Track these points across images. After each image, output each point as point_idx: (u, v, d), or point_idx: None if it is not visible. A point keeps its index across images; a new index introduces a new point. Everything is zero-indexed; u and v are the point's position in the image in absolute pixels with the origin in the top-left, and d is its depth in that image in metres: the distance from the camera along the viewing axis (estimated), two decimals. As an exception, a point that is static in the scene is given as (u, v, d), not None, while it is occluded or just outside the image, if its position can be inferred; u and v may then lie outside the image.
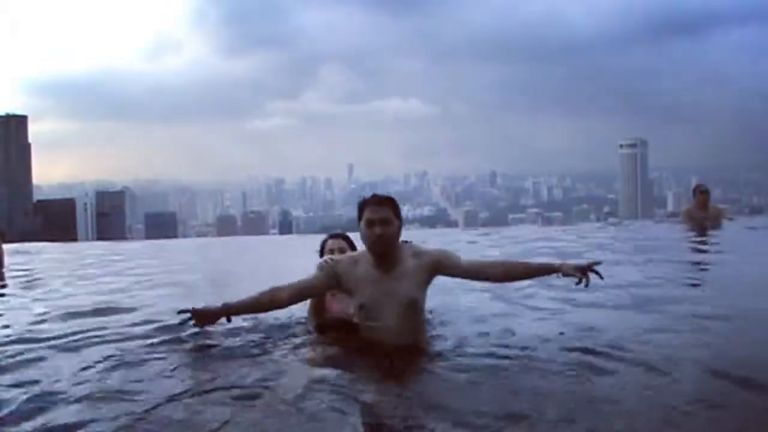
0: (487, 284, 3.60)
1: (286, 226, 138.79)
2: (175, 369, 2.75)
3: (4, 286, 5.85)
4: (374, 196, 3.01)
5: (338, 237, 3.77)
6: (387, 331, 2.94)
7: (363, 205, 2.97)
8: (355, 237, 3.69)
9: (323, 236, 3.97)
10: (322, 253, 3.70)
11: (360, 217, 2.98)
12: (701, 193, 8.92)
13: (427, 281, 3.06)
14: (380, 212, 2.91)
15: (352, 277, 2.98)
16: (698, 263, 6.29)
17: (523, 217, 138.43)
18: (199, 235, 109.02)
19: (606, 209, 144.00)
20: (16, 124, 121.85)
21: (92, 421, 2.23)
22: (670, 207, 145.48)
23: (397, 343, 2.90)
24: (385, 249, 2.95)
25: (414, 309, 2.99)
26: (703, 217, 8.75)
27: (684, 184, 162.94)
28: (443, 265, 3.04)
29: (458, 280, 3.26)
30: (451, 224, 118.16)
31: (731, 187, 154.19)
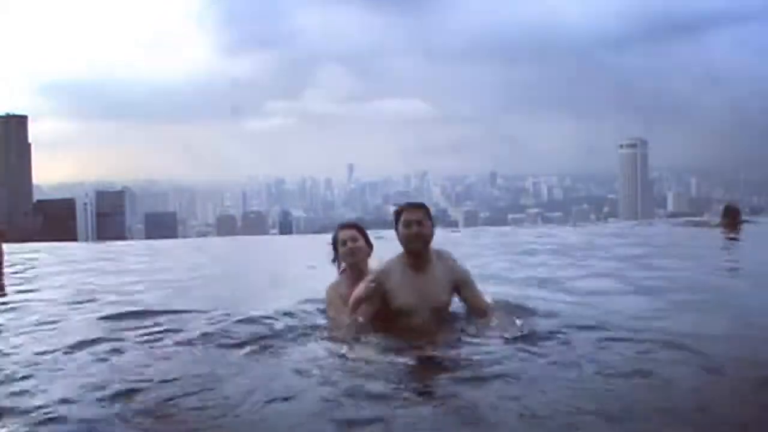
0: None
1: (286, 226, 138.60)
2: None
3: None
4: (409, 203, 3.52)
5: (350, 227, 3.88)
6: (420, 326, 3.34)
7: (400, 211, 3.45)
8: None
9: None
10: (335, 245, 3.77)
11: (397, 223, 3.44)
12: (732, 215, 9.32)
13: (452, 291, 3.49)
14: (416, 215, 3.40)
15: (390, 285, 3.38)
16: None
17: (523, 217, 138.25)
18: (200, 235, 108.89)
19: (606, 209, 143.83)
20: (16, 124, 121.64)
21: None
22: (670, 207, 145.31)
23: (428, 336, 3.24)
24: (421, 246, 3.39)
25: (442, 309, 3.45)
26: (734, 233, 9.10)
27: (684, 184, 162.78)
28: (462, 286, 3.48)
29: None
30: (451, 224, 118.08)
31: (731, 187, 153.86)
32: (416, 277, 3.39)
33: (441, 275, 3.43)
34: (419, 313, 3.37)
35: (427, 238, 3.42)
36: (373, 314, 3.43)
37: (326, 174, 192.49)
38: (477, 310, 3.50)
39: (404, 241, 3.42)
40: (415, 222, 3.38)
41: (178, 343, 3.33)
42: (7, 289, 5.77)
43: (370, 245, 3.84)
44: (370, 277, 3.47)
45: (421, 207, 3.48)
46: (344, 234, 3.78)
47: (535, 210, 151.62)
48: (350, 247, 3.74)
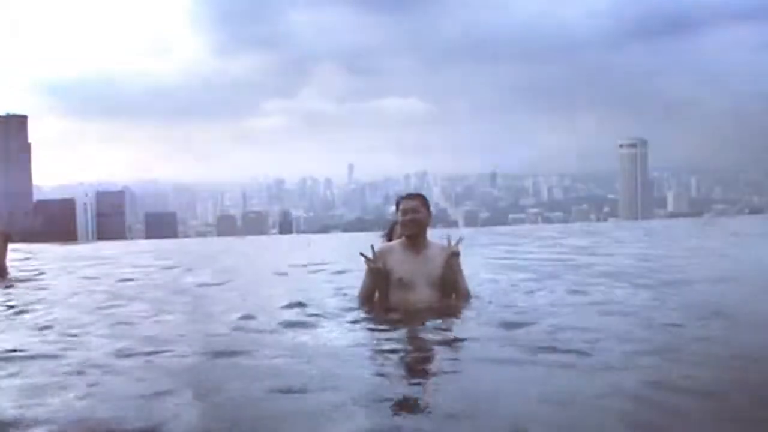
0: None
1: (286, 226, 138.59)
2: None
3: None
4: (408, 193, 4.01)
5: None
6: (420, 301, 3.77)
7: (399, 201, 3.95)
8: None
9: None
10: (397, 210, 4.11)
11: (397, 211, 3.93)
12: None
13: (444, 266, 3.85)
14: (412, 204, 3.88)
15: (391, 259, 3.84)
16: None
17: (523, 217, 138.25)
18: (200, 235, 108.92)
19: (606, 209, 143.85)
20: (16, 124, 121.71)
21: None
22: (670, 207, 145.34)
23: (426, 307, 3.73)
24: (415, 231, 3.85)
25: (439, 284, 3.83)
26: None
27: (684, 184, 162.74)
28: (450, 262, 3.85)
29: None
30: (451, 224, 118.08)
31: (731, 187, 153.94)
32: (414, 256, 3.85)
33: (435, 254, 3.87)
34: (418, 286, 3.79)
35: (421, 224, 3.87)
36: (372, 290, 3.93)
37: (326, 174, 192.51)
38: (452, 288, 3.92)
39: (401, 226, 3.89)
40: (411, 210, 3.86)
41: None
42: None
43: None
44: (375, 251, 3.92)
45: (418, 196, 3.98)
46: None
47: (535, 210, 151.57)
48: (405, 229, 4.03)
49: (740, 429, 2.11)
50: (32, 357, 3.07)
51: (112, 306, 4.53)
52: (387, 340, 3.32)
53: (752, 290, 4.78)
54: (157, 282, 6.18)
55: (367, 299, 3.96)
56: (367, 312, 3.85)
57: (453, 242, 3.91)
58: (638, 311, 3.86)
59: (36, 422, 2.16)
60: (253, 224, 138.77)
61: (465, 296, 3.96)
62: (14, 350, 3.19)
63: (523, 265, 6.41)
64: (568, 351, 2.95)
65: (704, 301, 4.22)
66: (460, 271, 3.95)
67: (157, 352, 3.06)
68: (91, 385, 2.59)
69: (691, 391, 2.38)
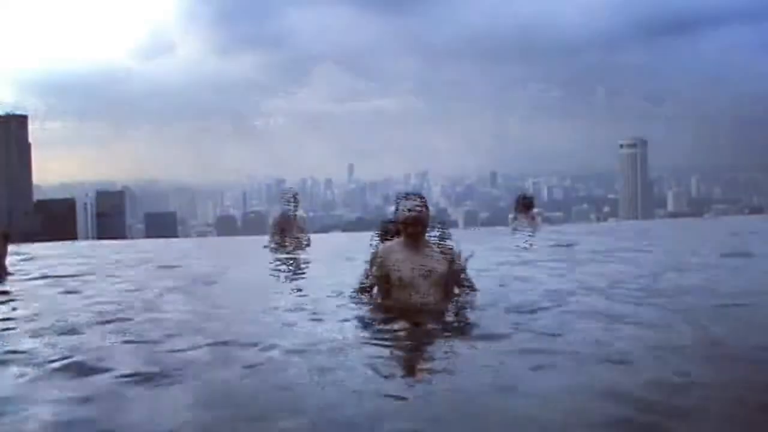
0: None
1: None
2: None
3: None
4: (408, 193, 4.05)
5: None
6: (421, 299, 3.78)
7: (399, 201, 3.96)
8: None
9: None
10: (397, 209, 4.16)
11: (397, 210, 3.97)
12: None
13: (447, 264, 3.90)
14: (413, 203, 3.91)
15: (391, 259, 3.88)
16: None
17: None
18: (200, 235, 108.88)
19: (606, 209, 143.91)
20: (16, 124, 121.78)
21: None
22: (670, 207, 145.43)
23: (428, 308, 3.73)
24: (418, 228, 3.87)
25: (440, 283, 3.85)
26: None
27: (684, 184, 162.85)
28: (454, 263, 3.91)
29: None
30: (451, 224, 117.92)
31: (731, 187, 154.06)
32: (413, 254, 3.87)
33: (436, 252, 3.92)
34: (419, 285, 3.81)
35: (424, 222, 3.91)
36: (369, 287, 3.98)
37: (326, 174, 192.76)
38: (455, 283, 3.97)
39: (403, 225, 3.90)
40: (413, 208, 3.88)
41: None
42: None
43: None
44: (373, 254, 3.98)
45: (418, 196, 4.00)
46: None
47: (535, 210, 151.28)
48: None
49: (740, 428, 2.09)
50: (31, 359, 3.06)
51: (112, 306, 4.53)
52: (387, 340, 3.33)
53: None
54: (158, 282, 6.16)
55: (366, 298, 4.00)
56: (365, 304, 3.90)
57: (463, 257, 3.94)
58: (646, 311, 3.83)
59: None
60: (253, 224, 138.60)
61: (471, 293, 4.00)
62: (14, 351, 3.19)
63: (542, 266, 6.32)
64: (569, 351, 2.94)
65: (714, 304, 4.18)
66: (464, 274, 3.99)
67: (157, 352, 3.06)
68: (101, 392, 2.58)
69: (690, 390, 2.37)
